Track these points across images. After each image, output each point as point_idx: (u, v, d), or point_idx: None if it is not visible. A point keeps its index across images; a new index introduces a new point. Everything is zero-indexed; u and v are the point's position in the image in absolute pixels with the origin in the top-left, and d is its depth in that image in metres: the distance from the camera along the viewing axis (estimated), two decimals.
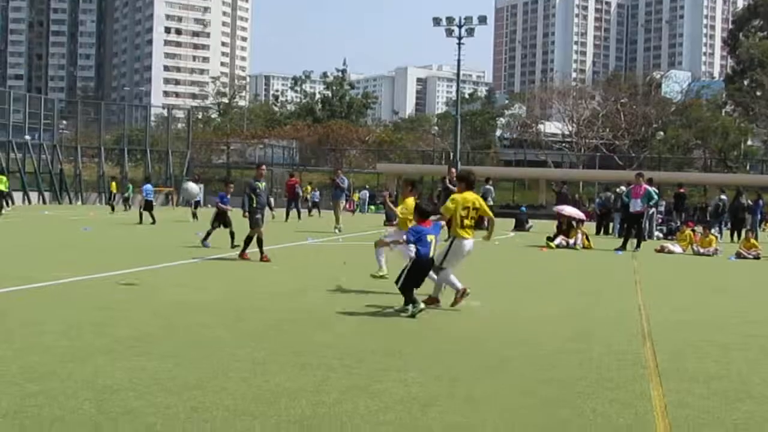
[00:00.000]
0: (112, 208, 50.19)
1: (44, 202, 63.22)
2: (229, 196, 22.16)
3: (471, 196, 11.45)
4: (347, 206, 50.60)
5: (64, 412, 5.77)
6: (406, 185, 14.26)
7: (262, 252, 17.84)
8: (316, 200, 51.40)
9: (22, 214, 42.12)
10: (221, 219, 21.59)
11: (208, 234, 21.26)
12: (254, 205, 18.32)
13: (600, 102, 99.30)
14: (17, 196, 61.58)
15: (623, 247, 24.39)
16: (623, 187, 31.41)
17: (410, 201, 12.95)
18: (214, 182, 68.66)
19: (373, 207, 59.80)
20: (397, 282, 10.69)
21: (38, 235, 26.46)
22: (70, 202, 64.10)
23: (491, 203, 35.25)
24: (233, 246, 19.85)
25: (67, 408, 5.89)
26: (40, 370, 7.02)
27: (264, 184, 19.08)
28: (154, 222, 33.15)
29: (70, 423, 5.54)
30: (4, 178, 41.31)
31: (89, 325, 9.39)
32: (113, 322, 9.65)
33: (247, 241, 18.16)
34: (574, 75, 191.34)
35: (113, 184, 52.88)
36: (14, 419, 5.58)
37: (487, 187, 34.64)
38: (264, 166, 20.17)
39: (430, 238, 10.70)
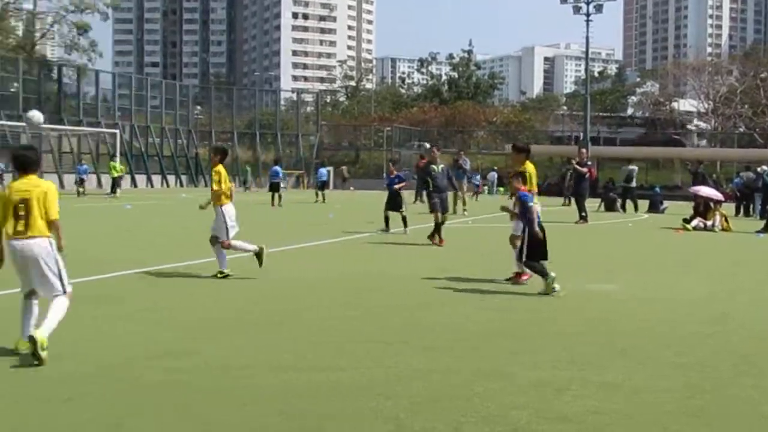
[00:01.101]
0: (245, 189, 51.84)
1: (181, 185, 65.46)
2: (398, 176, 20.80)
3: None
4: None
5: (214, 385, 5.99)
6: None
7: (439, 236, 17.23)
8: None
9: (161, 197, 43.72)
10: (392, 202, 20.34)
11: (387, 221, 20.29)
12: (431, 189, 17.82)
13: (738, 77, 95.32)
14: (156, 179, 64.05)
15: (765, 229, 23.43)
16: (765, 167, 30.18)
17: (531, 167, 12.33)
18: (342, 165, 69.50)
19: (501, 189, 59.32)
20: (520, 258, 10.76)
21: (177, 218, 27.38)
22: (205, 185, 66.15)
23: (634, 185, 34.57)
24: (406, 230, 19.66)
25: (212, 384, 6.11)
26: (182, 347, 7.28)
27: (441, 166, 18.28)
28: (280, 204, 33.87)
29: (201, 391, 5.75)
30: (118, 165, 43.14)
31: (218, 304, 9.72)
32: (241, 300, 9.96)
33: (436, 228, 17.38)
34: (709, 50, 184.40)
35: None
36: (156, 391, 5.82)
37: (631, 167, 34.10)
38: (437, 148, 19.41)
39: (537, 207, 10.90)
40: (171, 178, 65.81)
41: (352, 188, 62.37)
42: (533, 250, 10.65)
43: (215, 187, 11.94)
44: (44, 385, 6.00)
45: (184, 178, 67.07)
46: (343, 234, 20.00)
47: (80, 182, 41.85)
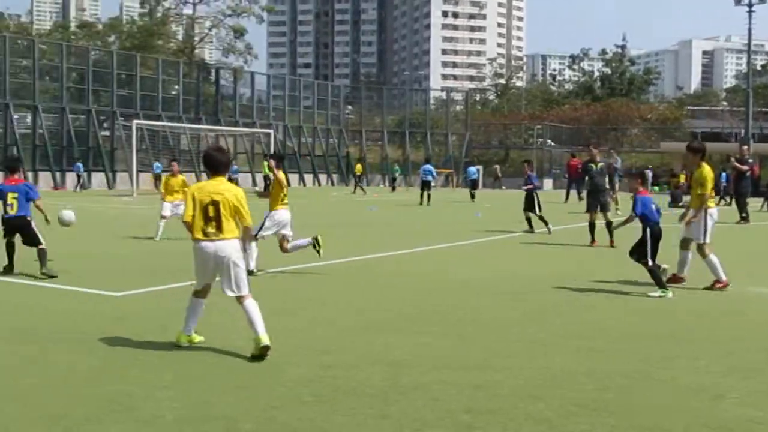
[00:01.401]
0: (393, 188, 52.43)
1: (332, 184, 66.72)
2: (529, 177, 20.64)
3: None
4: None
5: (356, 384, 6.08)
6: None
7: (592, 236, 16.87)
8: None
9: (313, 195, 44.70)
10: (527, 203, 20.28)
11: (528, 221, 20.19)
12: (590, 189, 17.45)
13: None
14: (308, 178, 65.52)
15: None
16: None
17: (706, 169, 11.95)
18: (492, 164, 69.14)
19: (656, 188, 57.58)
20: (639, 258, 10.58)
21: (330, 215, 27.91)
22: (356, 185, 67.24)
23: None
24: (549, 230, 19.53)
25: (358, 380, 6.20)
26: (333, 343, 7.44)
27: (601, 164, 17.86)
28: (429, 203, 34.00)
29: (361, 394, 5.83)
30: (266, 163, 43.90)
31: (376, 301, 9.85)
32: (399, 299, 10.05)
33: (590, 228, 17.05)
34: None
35: (358, 166, 54.02)
36: (311, 387, 5.95)
37: None
38: (595, 146, 19.05)
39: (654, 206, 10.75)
40: (322, 177, 67.16)
41: (504, 187, 61.95)
42: (641, 248, 10.58)
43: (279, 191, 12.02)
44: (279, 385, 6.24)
45: (335, 176, 68.33)
46: (490, 233, 19.91)
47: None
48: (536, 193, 20.22)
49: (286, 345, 7.18)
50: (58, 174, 49.48)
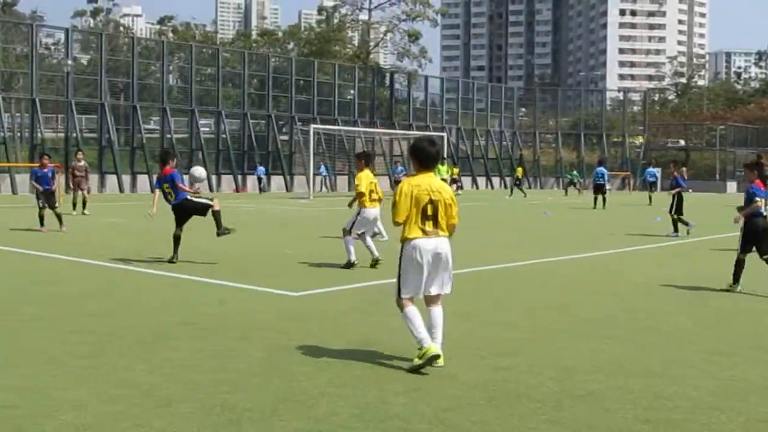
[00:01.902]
0: (566, 192, 51.64)
1: (505, 186, 66.35)
2: (675, 179, 20.45)
3: None
4: None
5: (528, 389, 6.03)
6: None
7: None
8: None
9: (486, 198, 44.61)
10: (674, 205, 20.07)
11: (674, 224, 19.99)
12: None
13: None
14: (481, 181, 65.43)
15: None
16: None
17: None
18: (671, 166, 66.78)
19: None
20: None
21: (504, 219, 27.81)
22: (529, 187, 66.50)
23: None
24: (688, 229, 19.03)
25: (530, 384, 6.15)
26: (506, 347, 7.41)
27: None
28: (604, 206, 33.20)
29: (533, 399, 5.77)
30: (444, 168, 43.43)
31: (552, 305, 9.74)
32: (575, 303, 9.90)
33: None
34: None
35: (519, 169, 52.10)
36: (482, 391, 5.95)
37: None
38: None
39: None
40: (495, 180, 66.90)
41: (690, 190, 59.72)
42: (746, 244, 10.77)
43: (358, 191, 13.01)
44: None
45: (508, 180, 67.93)
46: (667, 239, 19.30)
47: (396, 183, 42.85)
48: (681, 195, 20.18)
49: (460, 347, 7.21)
50: (239, 177, 51.58)
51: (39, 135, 43.53)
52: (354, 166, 55.47)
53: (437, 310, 6.71)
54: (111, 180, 45.04)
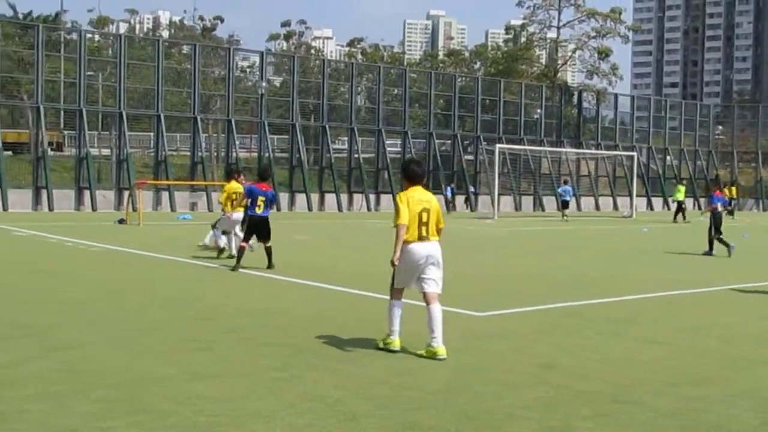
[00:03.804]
0: None
1: (699, 207, 63.83)
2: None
3: None
4: None
5: (722, 419, 5.80)
6: None
7: None
8: None
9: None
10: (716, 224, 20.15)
11: (716, 243, 19.88)
12: None
13: None
14: (689, 202, 63.21)
15: None
16: None
17: None
18: None
19: None
20: None
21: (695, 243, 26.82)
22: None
23: None
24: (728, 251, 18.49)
25: (725, 415, 5.91)
26: (700, 375, 7.15)
27: None
28: None
29: (730, 431, 5.55)
30: (682, 188, 41.48)
31: (751, 334, 9.32)
32: None
33: None
34: None
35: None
36: (673, 419, 5.78)
37: None
38: None
39: None
40: (689, 201, 64.41)
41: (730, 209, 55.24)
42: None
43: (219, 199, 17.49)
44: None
45: (701, 200, 65.29)
46: None
47: (564, 204, 41.31)
48: (720, 215, 20.03)
49: (651, 373, 7.06)
50: None
51: (234, 154, 45.71)
52: (539, 186, 55.46)
53: (437, 308, 7.66)
54: (300, 198, 46.58)
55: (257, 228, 14.72)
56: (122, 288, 12.19)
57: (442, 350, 7.53)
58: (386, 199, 49.15)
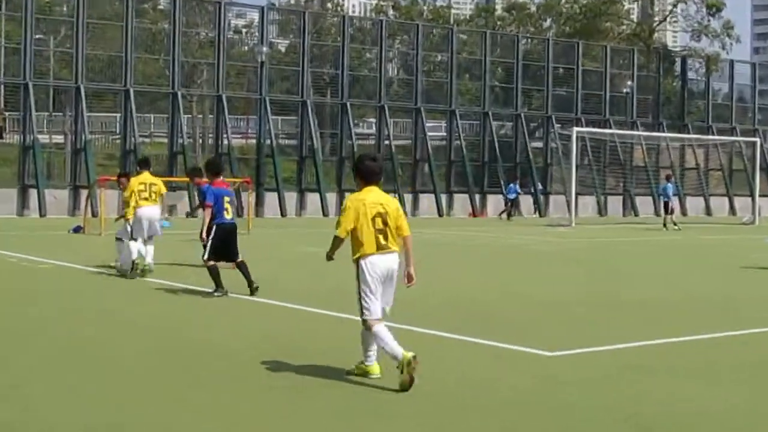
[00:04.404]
0: None
1: None
2: None
3: None
4: None
5: None
6: None
7: None
8: None
9: None
10: None
11: None
12: None
13: None
14: None
15: None
16: None
17: None
18: None
19: None
20: None
21: None
22: None
23: None
24: None
25: None
26: None
27: None
28: None
29: None
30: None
31: None
32: None
33: None
34: None
35: None
36: None
37: None
38: None
39: None
40: None
41: None
42: None
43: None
44: None
45: None
46: None
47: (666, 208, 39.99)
48: None
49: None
50: (477, 196, 51.50)
51: (225, 141, 45.59)
52: (631, 183, 54.91)
53: (380, 328, 8.08)
54: (312, 199, 46.41)
55: (228, 238, 14.23)
56: (79, 323, 11.97)
57: (376, 369, 8.27)
58: (427, 200, 48.94)
